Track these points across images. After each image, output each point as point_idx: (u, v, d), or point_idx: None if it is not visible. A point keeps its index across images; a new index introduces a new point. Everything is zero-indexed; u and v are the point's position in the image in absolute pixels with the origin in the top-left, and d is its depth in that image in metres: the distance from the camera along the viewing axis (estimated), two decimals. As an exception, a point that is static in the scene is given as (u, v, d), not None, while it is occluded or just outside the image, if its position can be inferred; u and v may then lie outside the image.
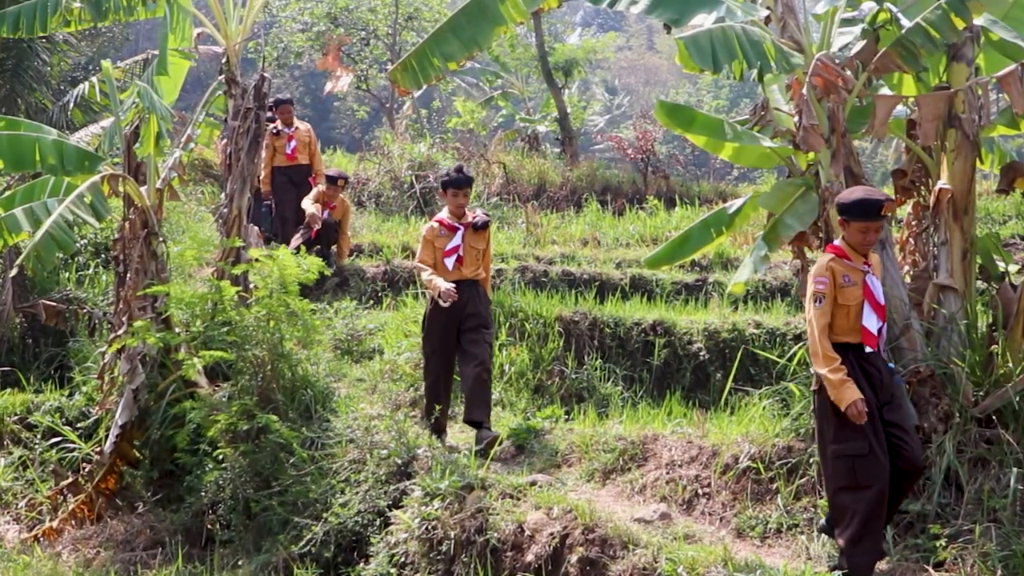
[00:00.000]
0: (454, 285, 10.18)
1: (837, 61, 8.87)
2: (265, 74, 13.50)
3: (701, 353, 13.15)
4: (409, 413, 11.25)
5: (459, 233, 10.52)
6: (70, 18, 12.59)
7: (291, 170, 16.73)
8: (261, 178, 16.13)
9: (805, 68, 8.83)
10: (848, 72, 8.82)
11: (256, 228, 13.73)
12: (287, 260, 11.19)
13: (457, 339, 10.52)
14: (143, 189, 12.16)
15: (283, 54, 34.09)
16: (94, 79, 13.17)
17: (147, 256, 12.03)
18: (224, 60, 13.51)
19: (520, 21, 10.37)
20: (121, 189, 12.11)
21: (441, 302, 10.14)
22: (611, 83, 70.12)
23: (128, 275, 12.04)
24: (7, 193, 13.42)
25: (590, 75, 60.79)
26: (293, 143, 16.76)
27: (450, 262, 10.50)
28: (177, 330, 12.14)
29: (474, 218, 10.65)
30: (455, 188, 10.62)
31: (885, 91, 9.60)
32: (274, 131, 16.44)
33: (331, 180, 16.21)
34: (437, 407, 10.57)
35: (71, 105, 15.84)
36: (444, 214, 10.71)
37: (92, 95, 13.32)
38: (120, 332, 11.90)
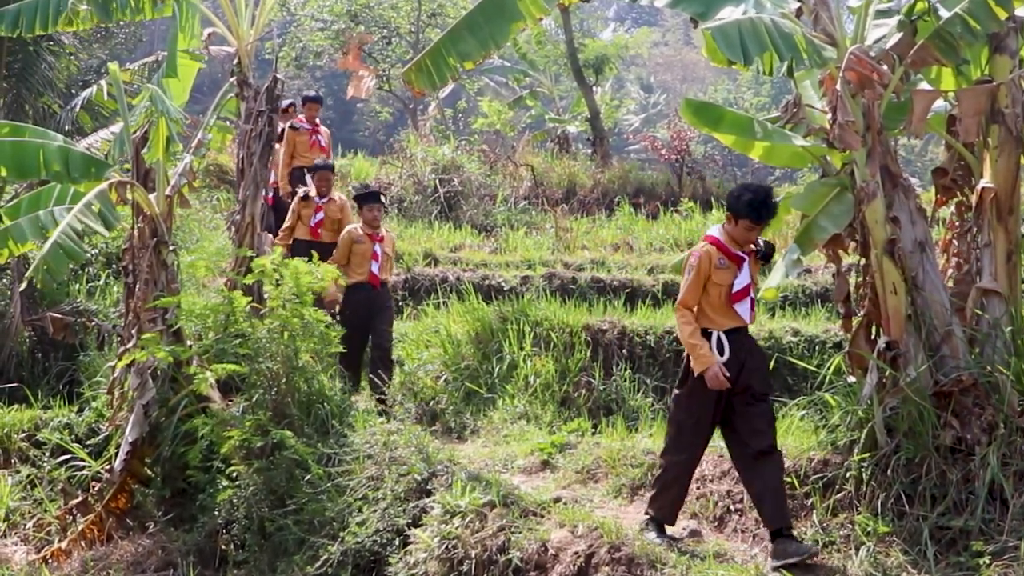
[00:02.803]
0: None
1: (872, 55, 8.78)
2: (278, 75, 13.52)
3: (736, 363, 13.07)
4: (429, 427, 11.24)
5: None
6: (74, 18, 12.63)
7: (312, 246, 13.58)
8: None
9: (838, 62, 8.75)
10: (884, 66, 8.72)
11: (270, 236, 13.74)
12: (301, 269, 11.18)
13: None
14: (152, 196, 12.18)
15: (302, 54, 34.21)
16: (102, 82, 13.19)
17: (157, 266, 12.05)
18: (236, 61, 13.55)
19: (540, 17, 10.35)
20: (129, 196, 12.11)
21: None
22: (647, 80, 70.14)
23: (137, 286, 12.05)
24: (13, 201, 13.47)
25: (624, 72, 60.87)
26: (319, 216, 14.52)
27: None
28: (188, 343, 12.16)
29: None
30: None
31: (923, 86, 9.49)
32: (304, 198, 14.53)
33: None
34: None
35: (78, 109, 15.87)
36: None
37: (100, 98, 13.36)
38: (129, 345, 11.92)
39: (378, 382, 12.37)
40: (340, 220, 14.39)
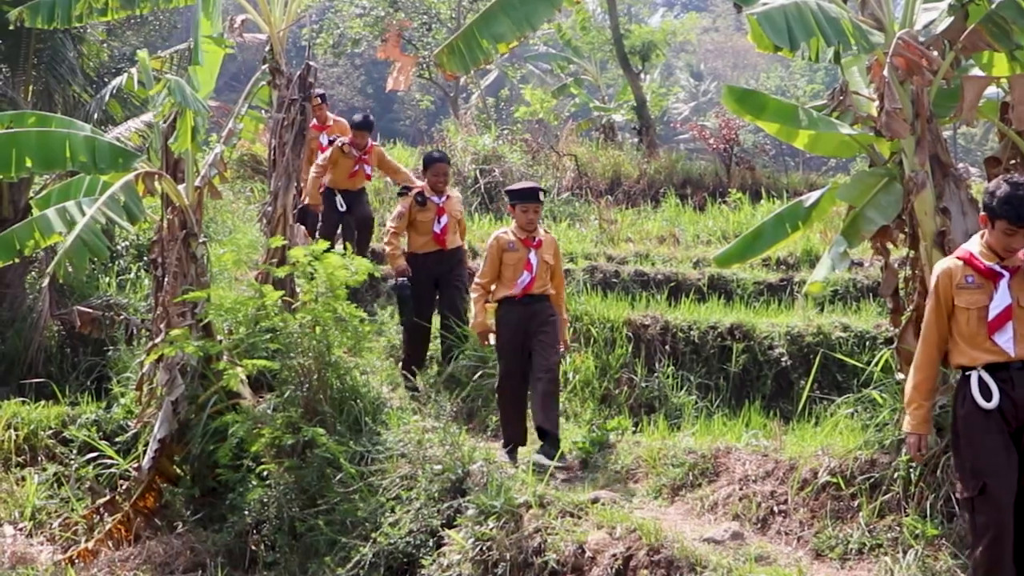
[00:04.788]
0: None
1: (921, 40, 8.75)
2: (311, 63, 13.56)
3: (783, 359, 13.08)
4: (465, 426, 11.26)
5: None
6: (96, 5, 12.68)
7: (436, 257, 13.03)
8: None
9: (886, 48, 8.70)
10: (934, 52, 8.68)
11: (303, 228, 13.77)
12: (334, 262, 11.23)
13: None
14: (181, 187, 12.25)
15: (340, 41, 34.23)
16: (133, 71, 13.28)
17: (186, 259, 12.13)
18: (268, 48, 13.60)
19: (577, 0, 10.37)
20: (158, 187, 12.18)
21: None
22: (696, 68, 69.92)
23: (166, 279, 12.13)
24: (43, 192, 13.58)
25: (674, 59, 60.76)
26: (444, 219, 13.07)
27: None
28: (219, 338, 12.23)
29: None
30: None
31: (975, 72, 9.41)
32: (419, 199, 12.97)
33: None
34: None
35: (108, 98, 15.95)
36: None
37: (130, 87, 13.41)
38: (158, 340, 12.01)
39: (549, 429, 10.43)
40: (462, 220, 13.58)
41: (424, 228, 12.92)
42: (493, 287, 10.97)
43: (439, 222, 12.92)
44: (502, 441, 10.89)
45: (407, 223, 12.97)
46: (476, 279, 11.05)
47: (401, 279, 12.81)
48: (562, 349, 11.12)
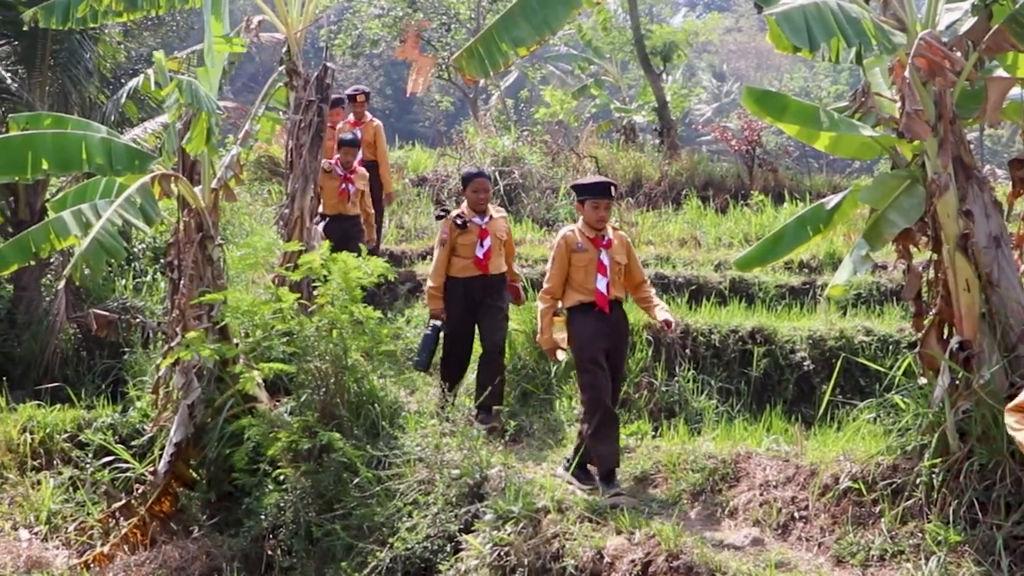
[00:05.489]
0: None
1: (944, 40, 8.74)
2: (329, 64, 13.60)
3: (805, 363, 13.05)
4: (484, 429, 11.27)
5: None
6: (113, 7, 12.74)
7: (476, 283, 11.92)
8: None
9: (908, 49, 8.71)
10: (957, 52, 8.68)
11: (320, 230, 13.77)
12: (351, 264, 11.25)
13: None
14: (197, 189, 12.29)
15: (358, 42, 34.28)
16: (149, 71, 13.33)
17: (202, 261, 12.16)
18: (285, 49, 13.64)
19: (596, 2, 10.38)
20: (174, 190, 12.23)
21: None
22: (719, 68, 69.80)
23: (182, 282, 12.16)
24: (59, 195, 13.64)
25: (696, 60, 60.70)
26: (488, 243, 11.93)
27: None
28: (235, 341, 12.23)
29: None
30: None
31: (999, 73, 9.40)
32: (458, 222, 11.86)
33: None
34: None
35: (124, 99, 16.02)
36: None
37: (146, 88, 13.46)
38: (174, 343, 12.03)
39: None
40: (509, 242, 12.36)
41: (465, 252, 11.84)
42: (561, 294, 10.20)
43: (482, 245, 11.83)
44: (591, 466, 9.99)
45: (450, 251, 11.90)
46: (544, 286, 10.32)
47: (433, 322, 11.99)
48: (667, 329, 10.33)
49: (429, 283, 11.95)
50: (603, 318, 9.98)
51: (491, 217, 12.04)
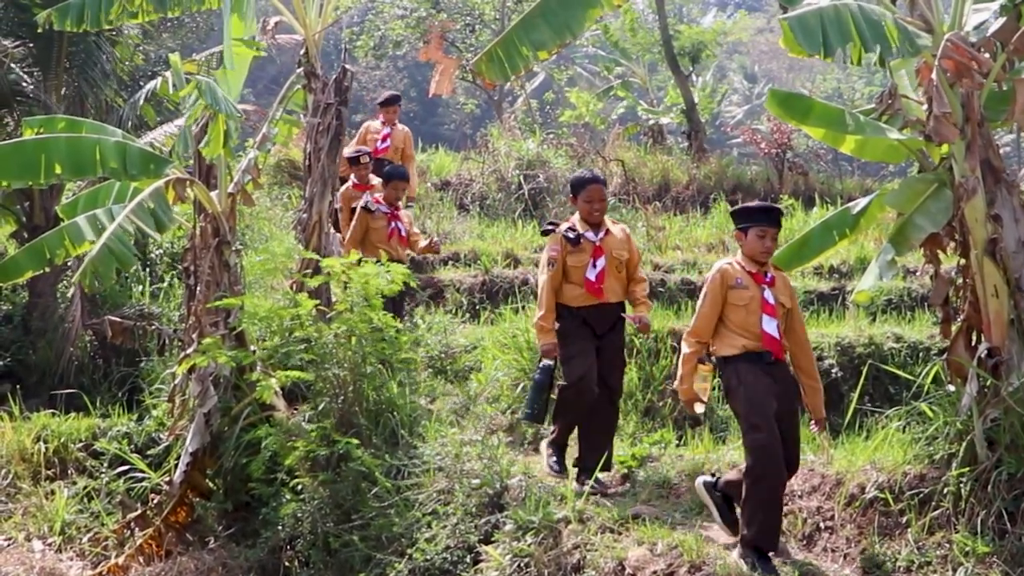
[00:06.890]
0: None
1: (972, 41, 8.76)
2: (347, 66, 13.66)
3: (833, 370, 13.04)
4: (505, 438, 11.29)
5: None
6: (132, 8, 12.81)
7: (593, 313, 10.13)
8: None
9: (934, 50, 8.73)
10: (985, 54, 8.70)
11: (339, 235, 13.79)
12: (370, 271, 11.30)
13: None
14: (214, 194, 12.36)
15: (381, 43, 34.37)
16: (166, 74, 13.43)
17: (219, 267, 12.22)
18: (303, 51, 13.70)
19: (618, 4, 10.39)
20: (190, 194, 12.31)
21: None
22: (750, 70, 69.67)
23: (199, 288, 12.24)
24: (72, 199, 13.72)
25: (727, 61, 60.58)
26: (601, 262, 10.05)
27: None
28: (252, 347, 12.29)
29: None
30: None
31: (1029, 74, 9.45)
32: (570, 235, 10.10)
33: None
34: None
35: (141, 102, 16.12)
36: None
37: (164, 91, 13.51)
38: (190, 350, 12.07)
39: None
40: (631, 260, 10.34)
41: (576, 275, 10.02)
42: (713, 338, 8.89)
43: (594, 266, 10.02)
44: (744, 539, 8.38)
45: (560, 273, 10.11)
46: (691, 326, 8.93)
47: (545, 362, 10.20)
48: (815, 429, 9.02)
49: (538, 313, 10.09)
50: (771, 370, 8.59)
51: (607, 232, 10.22)
